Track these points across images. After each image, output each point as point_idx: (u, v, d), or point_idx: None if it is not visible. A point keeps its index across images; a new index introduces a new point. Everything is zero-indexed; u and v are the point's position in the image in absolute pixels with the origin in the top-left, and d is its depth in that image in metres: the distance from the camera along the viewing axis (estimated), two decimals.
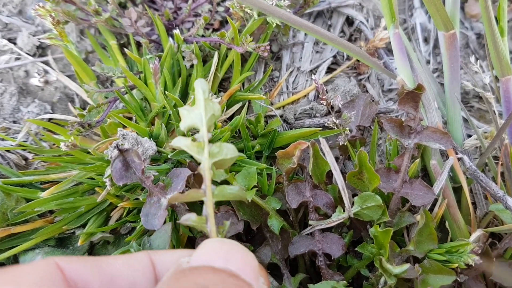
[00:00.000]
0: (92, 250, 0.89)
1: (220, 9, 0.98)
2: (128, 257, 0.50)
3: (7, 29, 1.07)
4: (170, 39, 0.94)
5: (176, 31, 0.92)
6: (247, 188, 0.78)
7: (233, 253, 0.45)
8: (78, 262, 0.46)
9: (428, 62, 1.12)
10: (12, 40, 1.06)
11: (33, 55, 1.05)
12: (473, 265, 0.71)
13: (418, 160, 0.81)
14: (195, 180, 0.81)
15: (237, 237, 0.87)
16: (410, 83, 0.86)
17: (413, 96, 0.79)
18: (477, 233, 0.77)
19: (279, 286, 0.79)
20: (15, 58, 1.03)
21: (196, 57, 0.90)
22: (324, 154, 0.79)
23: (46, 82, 1.02)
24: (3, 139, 0.94)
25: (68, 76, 1.02)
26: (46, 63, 1.03)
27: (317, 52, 1.09)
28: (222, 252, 0.45)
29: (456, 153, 0.84)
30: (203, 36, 0.97)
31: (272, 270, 0.83)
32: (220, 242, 0.47)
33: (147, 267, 0.50)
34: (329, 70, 1.08)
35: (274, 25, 0.92)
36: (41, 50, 1.06)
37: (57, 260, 0.45)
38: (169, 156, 0.81)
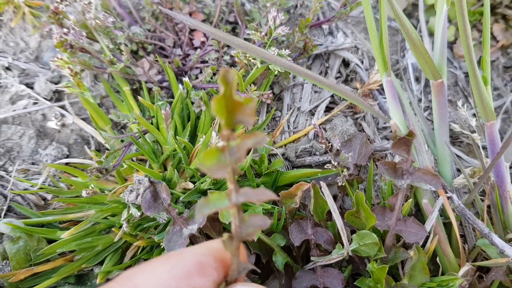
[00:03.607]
0: None
1: (226, 57, 1.06)
2: None
3: (24, 75, 1.14)
4: (180, 85, 1.01)
5: (186, 79, 0.99)
6: None
7: None
8: None
9: (419, 100, 1.20)
10: (29, 85, 1.13)
11: (50, 99, 1.12)
12: None
13: (410, 200, 0.87)
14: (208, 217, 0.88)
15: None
16: (403, 127, 0.93)
17: (405, 141, 0.86)
18: (466, 268, 0.83)
19: None
20: (32, 103, 1.10)
21: (204, 103, 0.97)
22: (324, 195, 0.86)
23: (63, 125, 1.09)
24: (22, 182, 1.01)
25: (84, 119, 1.09)
26: (63, 107, 1.10)
27: (316, 92, 1.17)
28: None
29: (446, 192, 0.91)
30: (210, 81, 1.04)
31: None
32: None
33: None
34: (328, 109, 1.15)
35: (276, 72, 1.00)
36: (57, 94, 1.13)
37: None
38: (181, 199, 0.87)
